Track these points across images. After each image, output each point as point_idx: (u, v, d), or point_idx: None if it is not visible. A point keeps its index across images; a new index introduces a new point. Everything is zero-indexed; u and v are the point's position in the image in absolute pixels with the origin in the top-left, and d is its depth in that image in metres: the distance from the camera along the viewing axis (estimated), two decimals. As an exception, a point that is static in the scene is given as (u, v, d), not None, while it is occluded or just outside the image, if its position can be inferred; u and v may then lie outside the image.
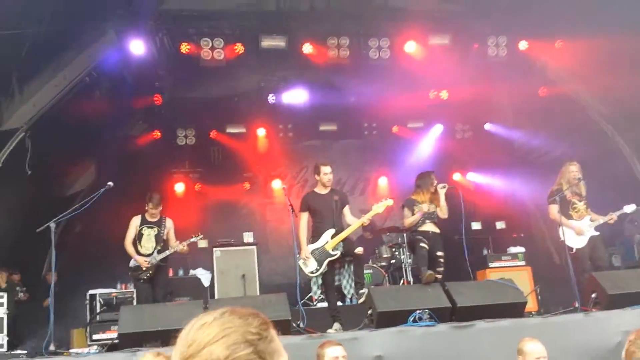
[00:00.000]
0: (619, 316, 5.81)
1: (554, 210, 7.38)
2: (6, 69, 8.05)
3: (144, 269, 7.36)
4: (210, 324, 1.26)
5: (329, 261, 6.81)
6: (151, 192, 7.79)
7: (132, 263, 7.45)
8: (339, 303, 7.45)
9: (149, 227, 7.56)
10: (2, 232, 8.41)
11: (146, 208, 7.55)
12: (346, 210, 7.07)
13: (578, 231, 7.34)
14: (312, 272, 6.82)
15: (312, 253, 6.80)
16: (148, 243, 7.50)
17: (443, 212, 7.48)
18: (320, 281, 6.93)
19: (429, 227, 7.47)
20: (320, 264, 6.78)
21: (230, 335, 1.24)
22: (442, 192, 7.49)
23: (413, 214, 7.43)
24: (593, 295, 6.40)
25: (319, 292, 7.14)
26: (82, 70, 9.09)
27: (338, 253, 6.79)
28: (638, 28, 7.90)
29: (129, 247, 7.46)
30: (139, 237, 7.51)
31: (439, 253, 7.32)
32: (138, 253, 7.43)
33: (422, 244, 7.31)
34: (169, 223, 7.67)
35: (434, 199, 7.50)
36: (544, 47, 9.95)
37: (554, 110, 10.60)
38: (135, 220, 7.58)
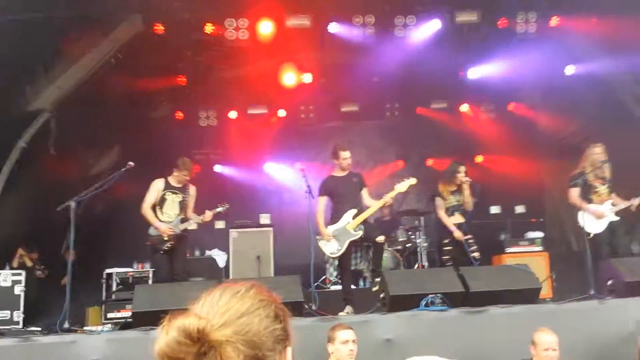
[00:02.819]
0: (636, 305, 5.70)
1: (574, 194, 7.25)
2: (32, 51, 8.17)
3: (166, 238, 6.90)
4: (244, 294, 1.23)
5: (349, 242, 6.83)
6: (183, 157, 7.31)
7: (152, 231, 6.96)
8: (353, 286, 7.47)
9: (173, 193, 7.10)
10: (24, 210, 8.64)
11: (176, 173, 7.12)
12: (364, 192, 7.07)
13: (598, 215, 7.19)
14: (332, 253, 6.86)
15: (333, 233, 6.83)
16: (171, 210, 7.05)
17: (468, 205, 7.61)
18: (337, 262, 6.97)
19: (457, 218, 7.65)
20: (341, 245, 6.81)
21: (266, 307, 1.22)
22: (466, 186, 7.56)
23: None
24: (609, 282, 6.29)
25: (335, 273, 7.18)
26: (107, 52, 9.17)
27: (360, 233, 6.81)
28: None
29: (148, 212, 6.96)
30: (160, 202, 7.04)
31: (468, 236, 7.50)
32: (158, 220, 6.98)
33: (445, 241, 7.62)
34: (192, 191, 7.27)
35: (460, 190, 7.62)
36: (575, 23, 9.60)
37: (582, 90, 10.28)
38: (158, 184, 7.10)
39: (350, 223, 6.82)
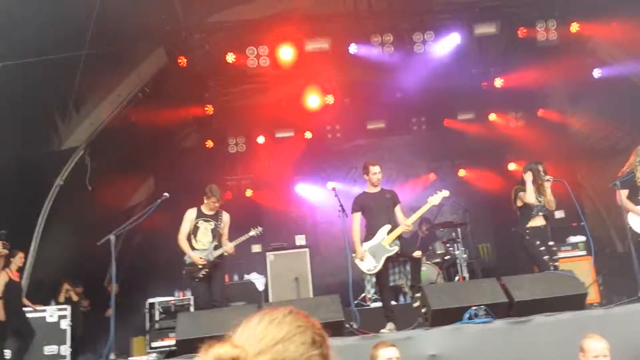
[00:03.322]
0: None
1: (622, 195, 7.10)
2: (63, 90, 8.43)
3: (200, 266, 7.01)
4: (281, 321, 1.25)
5: (386, 258, 6.78)
6: (210, 185, 7.39)
7: (187, 259, 7.12)
8: (393, 302, 7.39)
9: (205, 221, 7.21)
10: (66, 246, 8.83)
11: (205, 201, 7.23)
12: (397, 209, 7.05)
13: None
14: (369, 270, 6.78)
15: (368, 250, 6.77)
16: (204, 237, 7.16)
17: (550, 205, 7.21)
18: (374, 279, 6.90)
19: (539, 221, 7.20)
20: (377, 261, 6.75)
21: (303, 334, 1.24)
22: (547, 185, 7.20)
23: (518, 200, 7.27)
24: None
25: (372, 291, 7.10)
26: (135, 87, 9.45)
27: (395, 249, 6.76)
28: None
29: (183, 243, 7.12)
30: (194, 230, 7.16)
31: (551, 243, 7.17)
32: (192, 248, 7.08)
33: (537, 242, 7.08)
34: (226, 217, 7.35)
35: (541, 189, 7.20)
36: (596, 28, 9.56)
37: (612, 93, 10.15)
38: (191, 213, 7.24)
39: (385, 239, 6.77)
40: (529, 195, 7.10)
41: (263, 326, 1.23)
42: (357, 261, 6.83)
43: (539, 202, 7.17)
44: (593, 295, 7.26)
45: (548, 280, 6.62)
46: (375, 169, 7.07)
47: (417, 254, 6.86)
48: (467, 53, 10.12)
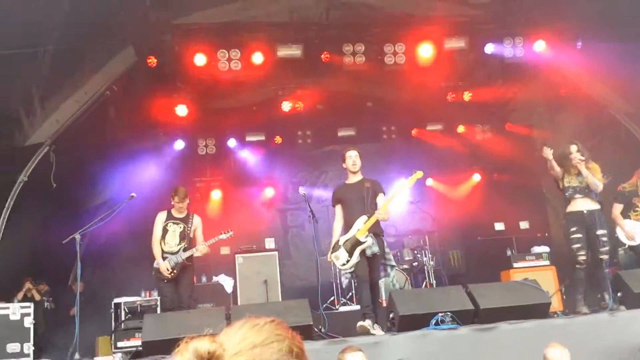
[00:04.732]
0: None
1: (616, 209, 7.44)
2: (28, 86, 8.25)
3: (166, 275, 6.97)
4: (261, 328, 1.29)
5: (361, 251, 6.33)
6: (176, 186, 7.51)
7: (155, 264, 7.14)
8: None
9: (174, 223, 7.26)
10: (29, 244, 8.62)
11: (172, 203, 7.29)
12: (379, 199, 6.62)
13: (628, 236, 7.41)
14: (343, 264, 6.44)
15: (343, 244, 6.42)
16: (172, 240, 7.18)
17: (594, 186, 6.65)
18: (351, 274, 6.54)
19: (583, 204, 6.68)
20: (350, 254, 6.36)
21: (281, 342, 1.27)
22: (581, 165, 6.68)
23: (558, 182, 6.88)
24: (618, 294, 6.31)
25: (346, 282, 7.01)
26: (102, 85, 9.28)
27: (369, 242, 6.32)
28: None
29: (156, 248, 7.14)
30: (163, 233, 7.20)
31: (600, 232, 6.55)
32: (162, 251, 7.12)
33: (571, 229, 6.63)
34: (196, 220, 7.38)
35: (573, 171, 6.78)
36: (562, 47, 9.87)
37: (576, 111, 10.49)
38: (161, 216, 7.29)
39: (358, 230, 6.36)
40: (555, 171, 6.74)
41: (244, 330, 1.28)
42: (333, 257, 6.53)
43: (580, 182, 6.71)
44: (557, 304, 7.43)
45: (513, 289, 6.78)
46: (351, 153, 6.72)
47: (380, 282, 6.59)
48: (437, 66, 10.29)
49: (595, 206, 6.70)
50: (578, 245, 6.52)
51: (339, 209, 6.70)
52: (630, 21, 8.32)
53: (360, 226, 6.38)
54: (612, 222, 7.50)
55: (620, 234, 7.58)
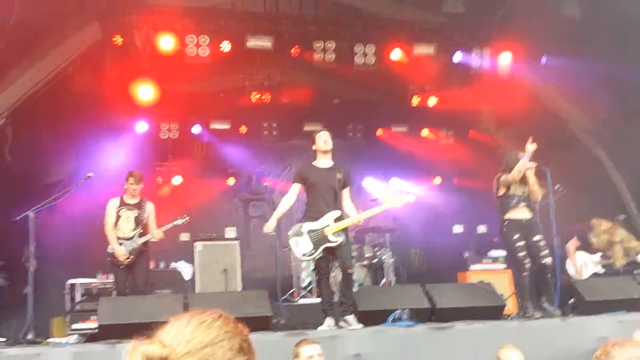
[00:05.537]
0: (597, 322, 5.91)
1: (571, 245, 7.93)
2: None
3: (121, 260, 6.91)
4: (209, 325, 1.25)
5: (325, 247, 5.91)
6: (130, 171, 7.37)
7: (109, 248, 7.05)
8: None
9: (128, 209, 7.18)
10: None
11: (125, 187, 7.20)
12: (346, 192, 6.16)
13: (577, 272, 7.84)
14: (304, 255, 5.97)
15: (308, 233, 5.92)
16: (126, 226, 7.10)
17: (534, 194, 6.61)
18: (312, 267, 6.33)
19: (524, 213, 6.63)
20: (316, 248, 5.90)
21: (231, 339, 1.24)
22: (530, 173, 6.57)
23: (501, 188, 6.75)
24: (571, 301, 6.51)
25: (307, 280, 6.92)
26: (64, 61, 9.01)
27: (339, 241, 5.91)
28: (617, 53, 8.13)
29: (110, 233, 7.05)
30: (116, 219, 7.11)
31: (536, 237, 6.54)
32: (117, 237, 7.04)
33: (514, 237, 6.53)
34: (149, 207, 7.30)
35: (523, 179, 6.61)
36: (527, 61, 10.14)
37: (537, 123, 10.77)
38: (114, 202, 7.18)
39: (329, 227, 5.91)
40: (511, 176, 6.54)
41: (192, 328, 1.24)
42: (292, 242, 5.98)
43: (523, 192, 6.65)
44: (512, 307, 7.61)
45: (469, 291, 6.95)
46: (322, 134, 6.19)
47: (352, 270, 6.21)
48: (405, 69, 10.42)
49: (531, 215, 6.72)
50: (523, 253, 6.51)
51: (297, 188, 6.15)
52: (591, 40, 8.58)
53: (331, 224, 5.97)
54: (563, 251, 7.73)
55: (569, 267, 7.83)
